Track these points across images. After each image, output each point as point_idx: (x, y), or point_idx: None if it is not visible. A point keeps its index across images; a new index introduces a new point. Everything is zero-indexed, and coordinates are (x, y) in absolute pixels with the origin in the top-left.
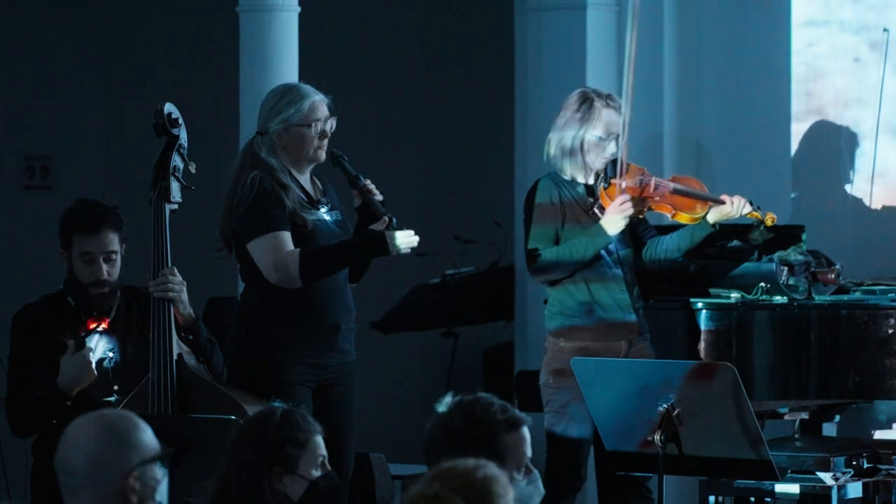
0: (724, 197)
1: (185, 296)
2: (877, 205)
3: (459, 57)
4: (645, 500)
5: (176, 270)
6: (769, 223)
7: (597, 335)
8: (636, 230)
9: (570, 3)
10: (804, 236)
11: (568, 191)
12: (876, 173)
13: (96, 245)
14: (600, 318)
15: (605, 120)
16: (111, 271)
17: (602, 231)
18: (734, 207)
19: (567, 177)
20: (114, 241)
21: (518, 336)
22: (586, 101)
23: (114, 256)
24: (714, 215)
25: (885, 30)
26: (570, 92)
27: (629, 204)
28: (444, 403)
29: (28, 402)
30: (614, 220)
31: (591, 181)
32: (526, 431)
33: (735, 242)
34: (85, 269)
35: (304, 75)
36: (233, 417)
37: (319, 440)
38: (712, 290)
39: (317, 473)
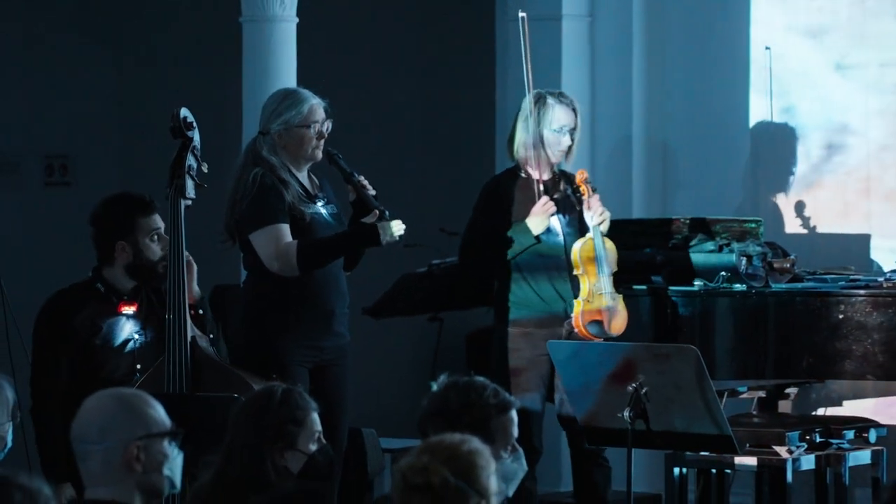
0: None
1: (195, 275)
2: (828, 200)
3: (446, 64)
4: (602, 469)
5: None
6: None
7: (538, 324)
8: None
9: (546, 14)
10: (762, 229)
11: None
12: (826, 171)
13: (158, 221)
14: (544, 310)
15: (558, 115)
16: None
17: (526, 229)
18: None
19: (528, 172)
20: (161, 220)
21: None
22: (540, 100)
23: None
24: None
25: (766, 48)
26: None
27: (551, 204)
28: (440, 383)
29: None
30: (538, 220)
31: (546, 176)
32: (514, 414)
33: (699, 236)
34: (154, 246)
35: (301, 81)
36: (236, 396)
37: (316, 417)
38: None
39: (314, 448)
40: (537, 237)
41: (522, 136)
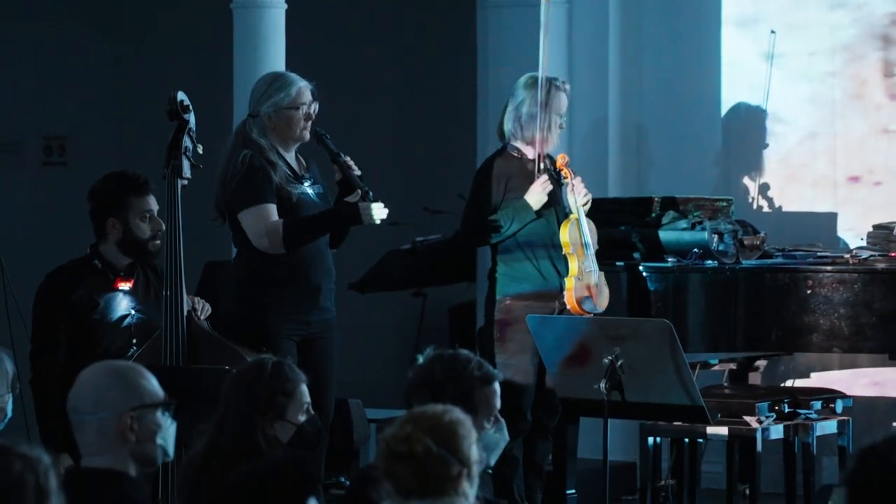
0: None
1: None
2: (794, 179)
3: (428, 48)
4: (547, 442)
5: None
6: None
7: (537, 297)
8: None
9: (526, 0)
10: (732, 208)
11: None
12: (791, 153)
13: (150, 203)
14: (543, 286)
15: (563, 101)
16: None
17: (526, 205)
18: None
19: (522, 152)
20: (155, 202)
21: (479, 295)
22: (553, 86)
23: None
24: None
25: (772, 31)
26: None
27: (549, 182)
28: (426, 355)
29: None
30: (537, 197)
31: (531, 156)
32: (497, 386)
33: (671, 213)
34: (144, 226)
35: (290, 64)
36: (227, 368)
37: (305, 389)
38: None
39: (303, 418)
40: (537, 212)
41: (537, 119)
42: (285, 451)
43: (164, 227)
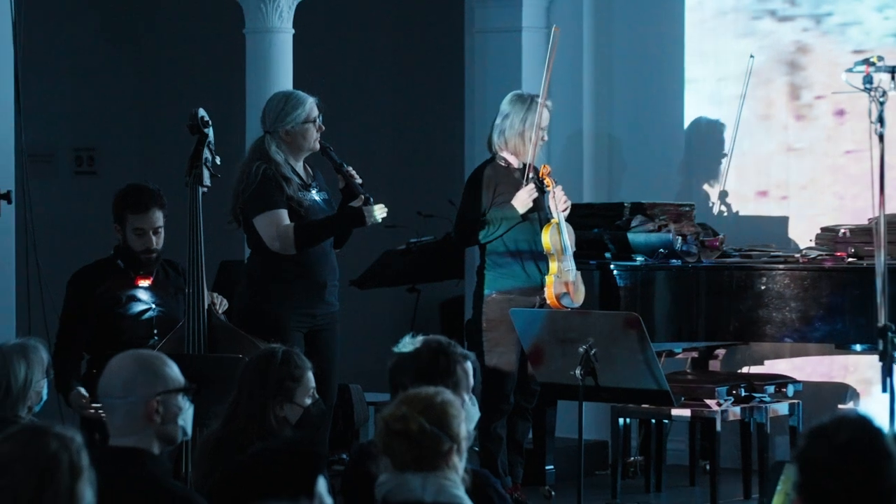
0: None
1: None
2: (751, 186)
3: (421, 69)
4: (526, 422)
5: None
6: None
7: (521, 293)
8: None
9: (508, 26)
10: (695, 212)
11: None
12: (749, 162)
13: (146, 222)
14: (526, 282)
15: (545, 115)
16: (158, 241)
17: (513, 209)
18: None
19: (508, 161)
20: (159, 218)
21: (468, 291)
22: (532, 101)
23: (160, 230)
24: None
25: (751, 56)
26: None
27: (535, 191)
28: (404, 343)
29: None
30: (523, 202)
31: (519, 166)
32: (471, 364)
33: (639, 217)
34: (137, 240)
35: (296, 84)
36: (240, 356)
37: (311, 375)
38: None
39: (309, 402)
40: (523, 216)
41: (517, 131)
42: (293, 431)
43: (155, 246)
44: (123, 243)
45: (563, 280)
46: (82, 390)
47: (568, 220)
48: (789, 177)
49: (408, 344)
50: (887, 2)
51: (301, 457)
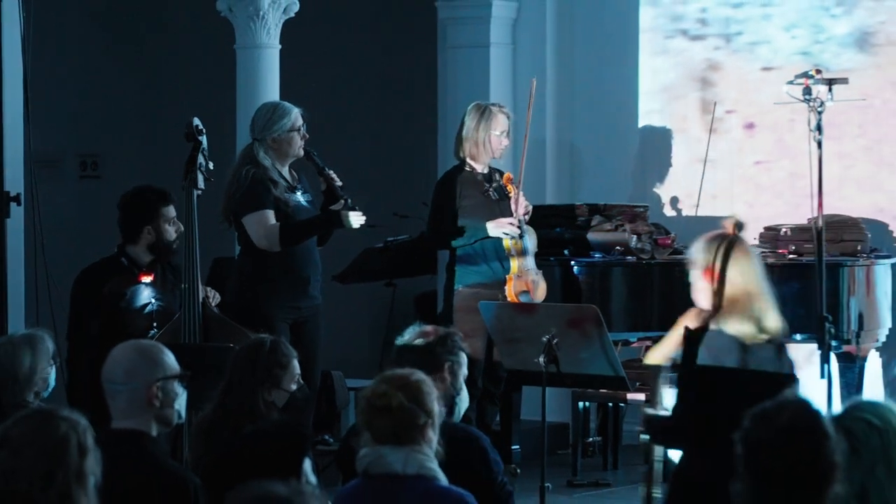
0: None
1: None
2: (725, 184)
3: (398, 81)
4: (494, 406)
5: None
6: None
7: (487, 287)
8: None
9: (477, 42)
10: (648, 213)
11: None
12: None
13: (173, 211)
14: (492, 278)
15: (500, 121)
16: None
17: (484, 230)
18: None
19: (473, 166)
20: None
21: (439, 286)
22: (487, 110)
23: None
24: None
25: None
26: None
27: (513, 228)
28: (407, 332)
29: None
30: (499, 230)
31: (485, 170)
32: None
33: (597, 217)
34: (171, 229)
35: (283, 95)
36: (232, 345)
37: (296, 363)
38: None
39: (294, 387)
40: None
41: (472, 139)
42: (283, 416)
43: (182, 228)
44: (157, 239)
45: (523, 280)
46: None
47: (531, 220)
48: (702, 186)
49: (412, 335)
50: (794, 21)
51: (289, 439)
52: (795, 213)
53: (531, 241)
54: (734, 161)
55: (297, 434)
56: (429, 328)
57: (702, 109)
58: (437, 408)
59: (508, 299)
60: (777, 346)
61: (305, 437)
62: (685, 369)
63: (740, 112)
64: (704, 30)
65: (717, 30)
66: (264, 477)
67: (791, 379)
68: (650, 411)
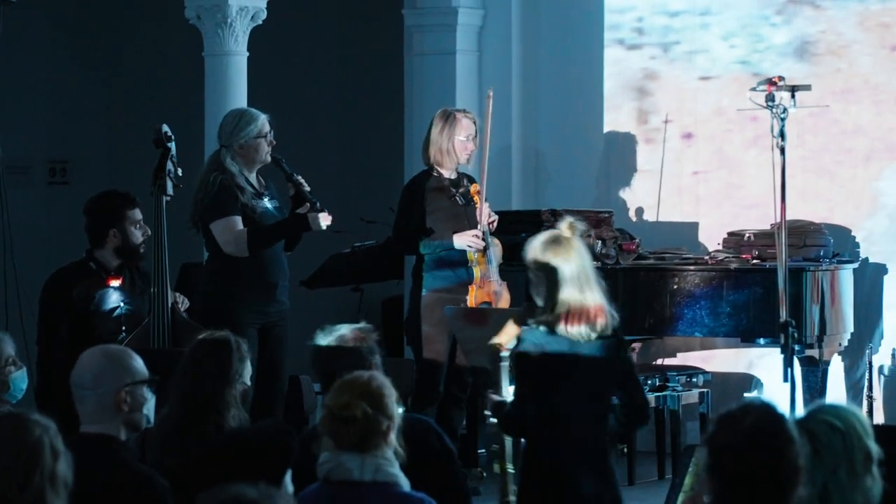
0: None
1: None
2: (663, 194)
3: (364, 88)
4: (461, 410)
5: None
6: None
7: (451, 292)
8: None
9: (443, 49)
10: (613, 218)
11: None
12: (663, 175)
13: (139, 214)
14: (456, 282)
15: (465, 126)
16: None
17: (450, 243)
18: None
19: (440, 172)
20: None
21: (406, 290)
22: (451, 116)
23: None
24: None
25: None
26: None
27: (479, 242)
28: (323, 334)
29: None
30: (464, 242)
31: (453, 175)
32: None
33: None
34: (137, 232)
35: (250, 101)
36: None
37: (249, 360)
38: None
39: (249, 382)
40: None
41: (437, 145)
42: (272, 421)
43: (149, 232)
44: (124, 242)
45: (485, 290)
46: None
47: (498, 229)
48: (636, 196)
49: (327, 335)
50: (733, 30)
51: (276, 447)
52: (734, 223)
53: (496, 253)
54: (670, 171)
55: (285, 444)
56: (346, 330)
57: (638, 119)
58: (396, 409)
59: None
60: (617, 339)
61: (292, 449)
62: (519, 359)
63: (678, 122)
64: (641, 39)
65: (654, 39)
66: (245, 482)
67: None
68: (496, 398)
